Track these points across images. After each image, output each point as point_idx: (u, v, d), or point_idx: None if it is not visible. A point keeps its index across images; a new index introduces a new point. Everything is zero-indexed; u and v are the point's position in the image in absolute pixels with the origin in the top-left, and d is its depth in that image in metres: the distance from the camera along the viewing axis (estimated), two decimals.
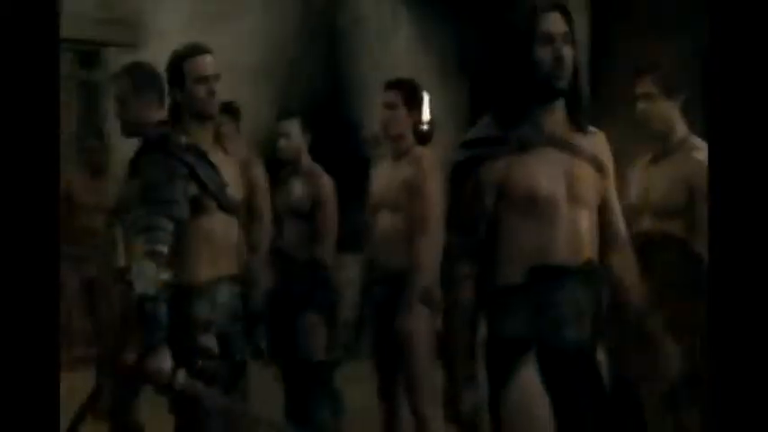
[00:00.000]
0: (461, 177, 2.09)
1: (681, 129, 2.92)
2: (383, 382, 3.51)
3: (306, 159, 4.08)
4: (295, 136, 4.04)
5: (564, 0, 2.10)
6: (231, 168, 2.81)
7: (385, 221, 3.44)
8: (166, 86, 2.74)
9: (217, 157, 2.74)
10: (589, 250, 2.07)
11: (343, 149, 6.25)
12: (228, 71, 6.76)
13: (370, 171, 3.67)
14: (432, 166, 3.43)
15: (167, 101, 2.84)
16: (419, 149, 3.50)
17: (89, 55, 6.35)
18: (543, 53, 2.02)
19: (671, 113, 2.90)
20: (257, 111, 4.55)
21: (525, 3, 2.08)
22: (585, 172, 2.08)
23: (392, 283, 3.39)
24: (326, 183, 4.02)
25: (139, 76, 3.17)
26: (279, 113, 4.24)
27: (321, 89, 7.21)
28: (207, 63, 2.67)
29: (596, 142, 2.15)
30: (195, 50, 2.69)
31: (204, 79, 2.65)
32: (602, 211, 2.14)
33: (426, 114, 7.28)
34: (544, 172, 2.04)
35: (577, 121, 2.11)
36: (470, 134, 2.14)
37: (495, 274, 2.06)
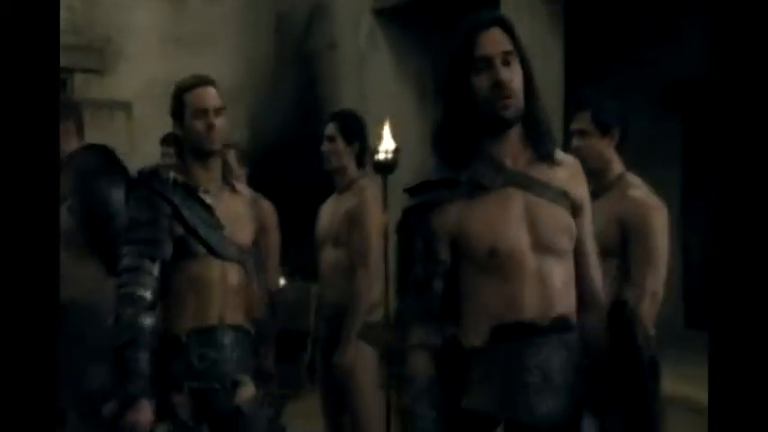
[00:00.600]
0: (410, 228, 1.80)
1: (617, 166, 2.83)
2: (329, 418, 3.44)
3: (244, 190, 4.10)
4: (232, 167, 3.98)
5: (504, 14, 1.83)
6: (240, 209, 2.59)
7: (329, 256, 3.38)
8: (174, 121, 2.57)
9: (221, 196, 2.54)
10: (563, 305, 1.77)
11: (319, 176, 6.14)
12: None
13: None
14: (374, 198, 3.36)
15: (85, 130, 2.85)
16: (363, 181, 3.43)
17: None
18: (480, 79, 1.73)
19: (606, 151, 2.81)
20: (232, 135, 4.47)
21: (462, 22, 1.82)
22: (554, 213, 1.77)
23: (336, 318, 3.30)
24: (267, 209, 3.94)
25: None
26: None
27: (296, 115, 7.10)
28: (206, 95, 2.51)
29: (567, 174, 1.83)
30: (195, 82, 2.54)
31: (202, 112, 2.48)
32: (576, 258, 1.82)
33: (390, 143, 7.20)
34: (503, 218, 1.75)
35: (540, 151, 1.80)
36: (417, 178, 1.86)
37: (459, 337, 1.77)
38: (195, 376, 2.40)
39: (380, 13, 7.43)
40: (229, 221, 2.51)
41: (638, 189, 2.77)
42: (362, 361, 3.26)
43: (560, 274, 1.78)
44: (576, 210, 1.83)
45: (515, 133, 1.79)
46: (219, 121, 2.50)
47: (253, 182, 4.09)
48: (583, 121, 2.80)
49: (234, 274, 2.51)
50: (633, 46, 6.48)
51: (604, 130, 2.79)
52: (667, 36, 6.13)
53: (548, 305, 1.75)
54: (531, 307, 1.74)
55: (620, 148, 2.87)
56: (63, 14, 5.85)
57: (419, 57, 7.17)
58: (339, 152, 3.41)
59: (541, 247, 1.76)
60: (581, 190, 1.86)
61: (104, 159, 3.02)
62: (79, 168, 2.92)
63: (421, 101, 7.26)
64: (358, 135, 3.48)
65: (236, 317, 2.50)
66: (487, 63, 1.74)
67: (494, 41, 1.75)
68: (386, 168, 3.46)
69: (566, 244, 1.79)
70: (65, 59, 6.13)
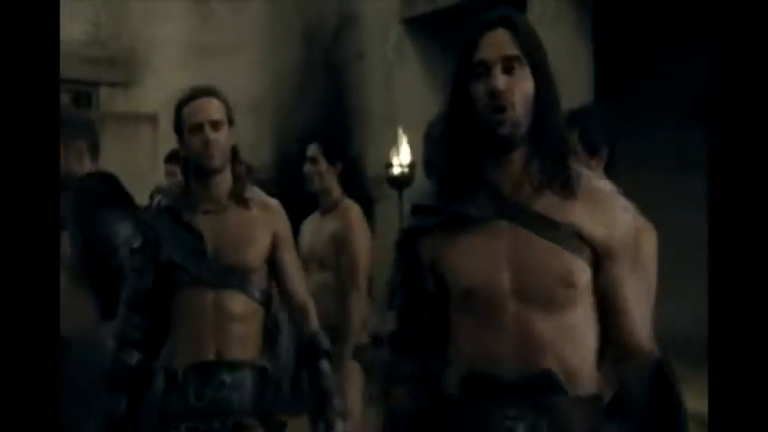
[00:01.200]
0: (400, 252, 1.61)
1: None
2: None
3: None
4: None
5: (513, 13, 1.54)
6: (250, 226, 2.34)
7: (315, 278, 3.30)
8: (176, 137, 2.38)
9: (226, 215, 2.31)
10: (551, 362, 1.50)
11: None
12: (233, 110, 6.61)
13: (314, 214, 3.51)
14: (359, 219, 3.33)
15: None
16: (347, 202, 3.39)
17: (81, 95, 6.22)
18: (477, 87, 1.48)
19: (594, 171, 2.74)
20: (257, 146, 4.40)
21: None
22: (549, 255, 1.50)
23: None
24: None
25: (68, 123, 2.92)
26: None
27: (322, 123, 7.06)
28: (202, 108, 2.27)
29: (588, 208, 1.52)
30: (192, 95, 2.31)
31: (198, 127, 2.25)
32: (606, 310, 1.53)
33: (406, 156, 7.11)
34: (485, 256, 1.52)
35: (550, 178, 1.51)
36: (418, 198, 1.67)
37: (440, 379, 1.59)
38: (192, 415, 2.21)
39: (409, 23, 7.36)
40: (233, 241, 2.30)
41: (627, 211, 2.67)
42: (351, 384, 3.20)
43: (550, 327, 1.49)
44: (598, 253, 1.52)
45: (520, 155, 1.52)
46: (219, 136, 2.26)
47: (278, 193, 4.06)
48: (572, 139, 2.75)
49: (234, 302, 2.26)
50: (661, 56, 6.32)
51: (592, 151, 2.63)
52: (694, 46, 5.97)
53: (527, 360, 1.49)
54: (506, 359, 1.50)
55: (609, 170, 2.77)
56: (88, 28, 5.85)
57: (448, 65, 7.08)
58: (322, 173, 3.36)
59: (525, 293, 1.50)
60: (608, 229, 1.54)
61: (109, 190, 2.79)
62: (82, 198, 2.78)
63: None
64: (340, 155, 3.44)
65: (241, 351, 2.26)
66: (486, 69, 1.49)
67: (495, 44, 1.49)
68: (401, 183, 3.37)
69: (559, 293, 1.50)
70: (90, 73, 6.15)
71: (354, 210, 3.36)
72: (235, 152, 2.36)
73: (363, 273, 3.23)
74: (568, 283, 1.49)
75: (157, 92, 6.06)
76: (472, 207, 1.52)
